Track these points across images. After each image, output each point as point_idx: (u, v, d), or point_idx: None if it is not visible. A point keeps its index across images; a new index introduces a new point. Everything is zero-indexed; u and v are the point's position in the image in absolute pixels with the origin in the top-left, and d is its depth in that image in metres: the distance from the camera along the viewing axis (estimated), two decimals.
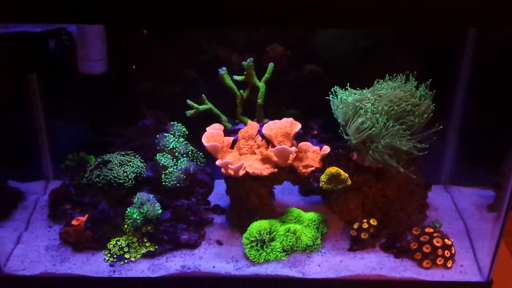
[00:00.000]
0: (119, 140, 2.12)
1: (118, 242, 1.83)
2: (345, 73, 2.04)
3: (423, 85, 1.80)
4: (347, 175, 1.81)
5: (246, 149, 1.89)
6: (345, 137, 1.81)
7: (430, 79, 1.79)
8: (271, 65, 1.92)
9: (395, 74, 1.85)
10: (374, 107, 1.74)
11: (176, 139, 1.98)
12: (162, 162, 1.90)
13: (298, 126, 1.89)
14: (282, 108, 2.08)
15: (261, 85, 1.92)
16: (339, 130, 1.83)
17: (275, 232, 1.80)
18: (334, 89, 1.86)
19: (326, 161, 1.87)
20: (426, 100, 1.78)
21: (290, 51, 2.05)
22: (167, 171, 1.88)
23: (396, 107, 1.73)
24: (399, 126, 1.72)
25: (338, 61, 2.08)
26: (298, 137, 1.92)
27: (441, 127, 1.74)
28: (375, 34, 2.04)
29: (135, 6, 1.39)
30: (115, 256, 1.80)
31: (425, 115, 1.76)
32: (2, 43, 1.89)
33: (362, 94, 1.81)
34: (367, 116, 1.73)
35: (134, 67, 2.13)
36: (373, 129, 1.72)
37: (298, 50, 2.07)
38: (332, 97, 1.86)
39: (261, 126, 1.90)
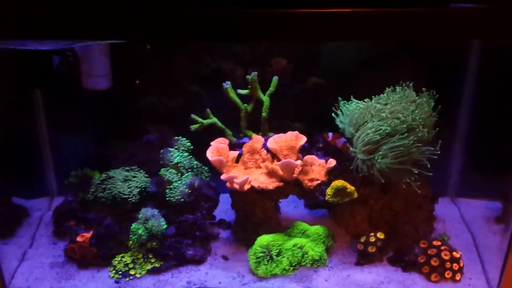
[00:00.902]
0: (123, 155, 2.11)
1: (123, 258, 1.82)
2: (349, 84, 2.04)
3: (424, 98, 1.80)
4: (353, 188, 1.80)
5: (251, 163, 1.89)
6: (351, 149, 1.81)
7: (434, 99, 1.81)
8: (275, 78, 1.92)
9: (400, 84, 1.85)
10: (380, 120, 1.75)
11: (181, 154, 1.97)
12: (167, 177, 1.89)
13: (303, 139, 1.88)
14: (286, 122, 2.08)
15: (265, 98, 1.92)
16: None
17: (282, 247, 1.79)
18: (338, 102, 1.87)
19: (332, 174, 1.86)
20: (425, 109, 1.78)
21: (294, 64, 2.05)
22: (171, 186, 1.88)
23: (396, 121, 1.74)
24: (406, 140, 1.72)
25: (342, 72, 2.08)
26: (304, 151, 1.91)
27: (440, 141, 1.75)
28: (379, 44, 2.04)
29: (138, 22, 1.39)
30: (120, 272, 1.79)
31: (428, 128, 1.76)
32: (8, 60, 1.90)
33: (368, 107, 1.81)
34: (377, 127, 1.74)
35: (138, 82, 2.13)
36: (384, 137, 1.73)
37: (302, 63, 2.07)
38: (337, 111, 1.86)
39: (266, 140, 1.90)
